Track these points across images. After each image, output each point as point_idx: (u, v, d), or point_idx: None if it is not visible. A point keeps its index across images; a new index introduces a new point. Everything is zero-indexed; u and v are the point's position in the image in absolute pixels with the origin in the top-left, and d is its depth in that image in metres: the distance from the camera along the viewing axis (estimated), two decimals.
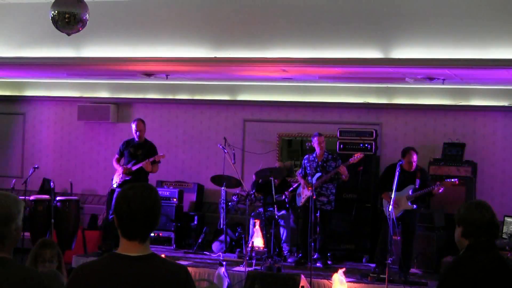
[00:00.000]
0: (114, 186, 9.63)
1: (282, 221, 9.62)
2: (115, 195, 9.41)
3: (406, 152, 8.40)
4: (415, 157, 8.37)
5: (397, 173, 8.01)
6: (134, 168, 9.46)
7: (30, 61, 9.02)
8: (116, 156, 9.80)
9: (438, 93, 10.27)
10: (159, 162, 9.62)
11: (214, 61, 8.39)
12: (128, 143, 9.73)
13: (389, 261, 7.59)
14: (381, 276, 7.93)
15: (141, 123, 9.69)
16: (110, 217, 9.41)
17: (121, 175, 9.53)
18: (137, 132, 9.61)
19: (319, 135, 9.31)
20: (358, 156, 8.97)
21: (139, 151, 9.58)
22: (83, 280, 2.79)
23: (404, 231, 8.41)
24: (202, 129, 11.44)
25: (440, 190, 8.15)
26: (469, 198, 9.25)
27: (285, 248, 9.61)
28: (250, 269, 8.18)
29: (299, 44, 8.02)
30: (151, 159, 9.39)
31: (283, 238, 9.64)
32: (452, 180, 8.33)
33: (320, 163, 9.23)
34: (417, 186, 8.35)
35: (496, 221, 3.44)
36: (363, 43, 7.83)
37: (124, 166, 9.55)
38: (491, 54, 7.45)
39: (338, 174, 9.07)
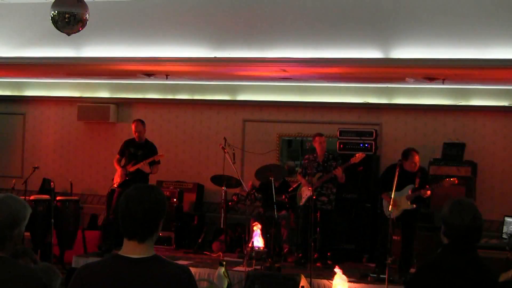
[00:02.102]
0: (115, 186, 9.64)
1: (283, 221, 9.62)
2: (115, 195, 9.45)
3: (408, 153, 8.40)
4: (417, 158, 8.38)
5: (397, 173, 8.01)
6: (131, 169, 9.46)
7: (30, 61, 9.02)
8: (117, 156, 9.81)
9: (438, 93, 10.27)
10: (159, 162, 9.62)
11: (214, 61, 8.39)
12: (129, 143, 9.75)
13: (389, 261, 7.58)
14: (381, 276, 7.93)
15: (139, 123, 9.69)
16: (111, 216, 9.41)
17: (121, 176, 9.54)
18: (136, 133, 9.62)
19: (320, 135, 9.31)
20: (359, 156, 8.97)
21: (139, 151, 9.59)
22: (85, 281, 2.81)
23: (404, 231, 8.41)
24: (202, 129, 11.44)
25: (427, 194, 8.20)
26: (469, 198, 9.24)
27: (285, 248, 9.61)
28: (250, 269, 8.18)
29: (299, 44, 8.02)
30: (149, 160, 9.40)
31: (284, 238, 9.64)
32: (451, 179, 8.32)
33: (321, 163, 9.23)
34: (417, 186, 8.35)
35: (476, 225, 3.34)
36: (363, 43, 7.83)
37: (123, 167, 9.56)
38: (491, 54, 7.45)
39: (335, 177, 9.09)
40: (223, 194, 9.73)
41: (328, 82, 10.34)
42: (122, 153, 9.76)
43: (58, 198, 9.79)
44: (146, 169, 9.41)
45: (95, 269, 2.85)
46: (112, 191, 9.77)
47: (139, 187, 2.89)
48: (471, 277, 3.27)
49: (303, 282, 7.48)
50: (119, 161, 9.76)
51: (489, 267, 3.41)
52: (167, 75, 9.94)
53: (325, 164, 9.21)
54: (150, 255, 2.84)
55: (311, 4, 8.05)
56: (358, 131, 10.15)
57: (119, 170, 9.63)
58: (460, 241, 3.32)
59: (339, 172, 9.00)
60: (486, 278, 3.30)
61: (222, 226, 9.71)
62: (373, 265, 8.91)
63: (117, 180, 9.61)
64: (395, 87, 10.40)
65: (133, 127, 9.68)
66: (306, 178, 9.12)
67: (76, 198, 10.29)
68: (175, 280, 2.82)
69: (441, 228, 3.41)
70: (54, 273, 4.12)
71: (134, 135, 9.69)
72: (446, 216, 3.35)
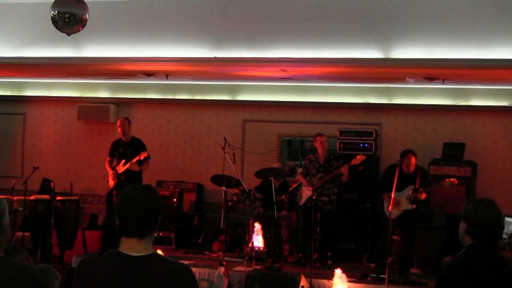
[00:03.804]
0: (111, 188, 9.63)
1: (284, 221, 9.63)
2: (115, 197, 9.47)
3: (404, 155, 8.40)
4: (413, 160, 8.37)
5: (396, 173, 8.02)
6: (121, 170, 9.44)
7: (30, 61, 9.03)
8: (108, 158, 9.80)
9: (438, 93, 10.27)
10: (148, 157, 9.56)
11: (214, 61, 8.39)
12: (117, 144, 9.74)
13: (389, 261, 7.58)
14: (381, 276, 7.93)
15: (124, 120, 9.71)
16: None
17: (113, 178, 9.53)
18: (119, 128, 9.60)
19: (321, 135, 9.30)
20: (360, 158, 8.96)
21: (127, 150, 9.58)
22: (86, 278, 2.85)
23: (404, 231, 8.41)
24: (202, 129, 11.44)
25: (422, 198, 8.25)
26: (469, 198, 9.23)
27: (285, 248, 9.60)
28: (250, 269, 8.18)
29: (299, 44, 8.02)
30: (134, 160, 9.39)
31: (284, 238, 9.64)
32: (451, 179, 8.31)
33: (322, 163, 9.23)
34: (417, 186, 8.35)
35: (501, 222, 3.42)
36: (363, 43, 7.83)
37: (113, 171, 9.54)
38: (491, 54, 7.45)
39: (339, 174, 9.06)
40: (223, 194, 9.73)
41: (328, 82, 10.34)
42: (111, 154, 9.76)
43: (58, 198, 9.79)
44: (135, 167, 9.41)
45: (95, 265, 2.89)
46: (110, 194, 9.77)
47: (135, 187, 2.94)
48: (500, 274, 3.31)
49: (303, 282, 7.48)
50: (110, 163, 9.75)
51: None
52: (167, 75, 9.95)
53: (326, 164, 9.21)
54: (150, 252, 2.87)
55: (311, 4, 8.05)
56: (358, 131, 10.15)
57: (111, 173, 9.62)
58: (485, 238, 3.36)
59: (345, 170, 8.95)
60: None
61: (222, 226, 9.71)
62: (373, 265, 8.92)
63: (111, 182, 9.59)
64: (395, 87, 10.40)
65: (118, 123, 9.66)
66: (307, 178, 9.12)
67: (76, 198, 10.29)
68: (176, 278, 2.84)
69: (462, 227, 3.43)
70: (52, 274, 4.12)
71: (120, 130, 9.65)
72: (471, 214, 3.38)
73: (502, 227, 3.44)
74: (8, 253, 4.61)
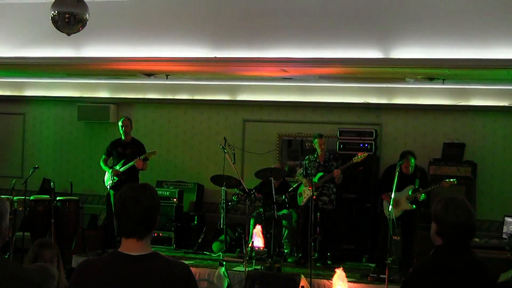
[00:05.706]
0: (108, 188, 9.62)
1: (286, 221, 9.63)
2: (113, 197, 9.46)
3: (404, 156, 8.42)
4: (412, 162, 8.39)
5: (397, 174, 8.02)
6: (122, 169, 9.41)
7: (30, 61, 9.02)
8: (104, 156, 9.78)
9: (438, 93, 10.27)
10: (147, 159, 9.58)
11: (214, 61, 8.39)
12: (116, 143, 9.73)
13: (389, 261, 7.58)
14: (381, 276, 7.93)
15: (127, 120, 9.71)
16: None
17: (112, 177, 9.51)
18: (123, 128, 9.57)
19: (320, 137, 9.29)
20: (362, 155, 8.95)
21: (127, 150, 9.57)
22: (86, 278, 2.84)
23: (404, 231, 8.42)
24: (202, 129, 11.44)
25: (420, 198, 8.26)
26: (469, 198, 9.25)
27: (285, 246, 9.61)
28: (250, 269, 8.18)
29: (299, 44, 8.01)
30: (143, 157, 9.36)
31: (284, 238, 9.64)
32: (451, 180, 8.32)
33: (322, 163, 9.23)
34: (417, 186, 8.36)
35: (472, 223, 3.26)
36: (363, 43, 7.82)
37: (114, 169, 9.51)
38: (491, 54, 7.45)
39: (333, 177, 9.09)
40: (223, 194, 9.73)
41: (328, 82, 10.33)
42: (108, 153, 9.73)
43: (58, 198, 9.79)
44: (140, 165, 9.36)
45: (95, 266, 2.89)
46: (109, 193, 9.75)
47: (133, 187, 2.93)
48: (472, 277, 3.21)
49: (303, 282, 7.48)
50: (105, 162, 9.73)
51: (487, 266, 3.35)
52: (167, 75, 9.94)
53: (326, 164, 9.21)
54: (149, 252, 2.88)
55: (311, 5, 8.05)
56: (358, 131, 10.15)
57: (110, 171, 9.57)
58: (456, 240, 3.23)
59: (337, 173, 8.99)
60: (486, 278, 3.26)
61: (222, 226, 9.71)
62: (373, 265, 8.92)
63: (109, 182, 9.55)
64: (395, 87, 10.39)
65: (120, 123, 9.64)
66: (307, 178, 9.12)
67: (76, 198, 10.28)
68: (175, 276, 2.85)
69: (433, 228, 3.31)
70: (48, 274, 4.10)
71: (120, 130, 9.62)
72: (441, 215, 3.25)
73: (473, 228, 3.27)
74: (41, 246, 4.68)
